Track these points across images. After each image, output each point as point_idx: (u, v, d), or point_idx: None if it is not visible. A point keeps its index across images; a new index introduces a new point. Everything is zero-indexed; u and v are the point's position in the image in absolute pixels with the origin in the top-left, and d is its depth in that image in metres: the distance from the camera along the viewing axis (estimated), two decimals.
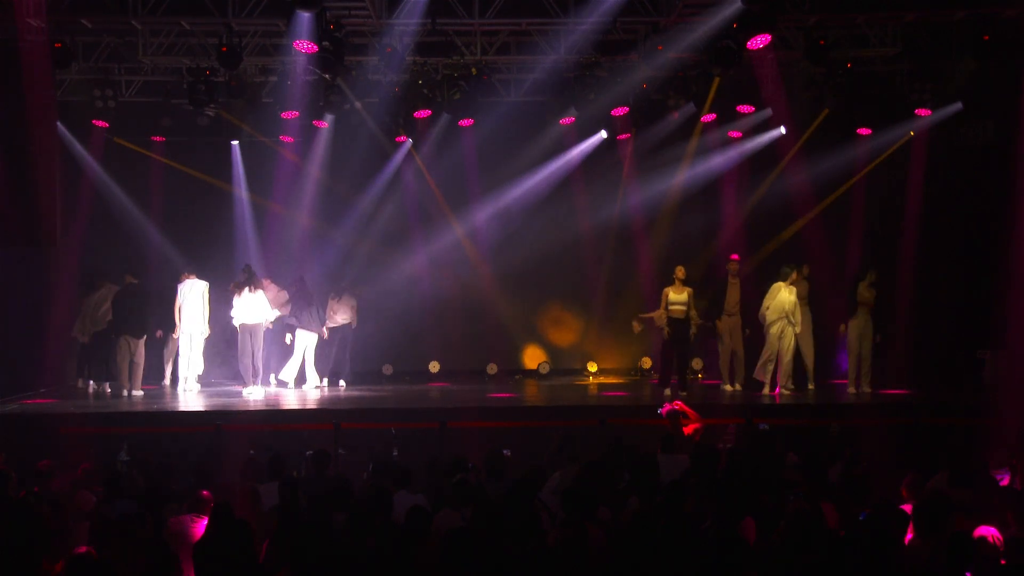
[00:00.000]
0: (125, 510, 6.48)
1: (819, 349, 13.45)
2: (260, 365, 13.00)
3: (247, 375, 12.88)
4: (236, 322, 12.95)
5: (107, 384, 13.38)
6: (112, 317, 13.18)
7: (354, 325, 14.27)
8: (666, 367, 13.01)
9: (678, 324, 12.64)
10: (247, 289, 12.85)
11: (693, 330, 12.81)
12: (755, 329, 13.27)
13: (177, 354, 13.68)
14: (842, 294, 13.29)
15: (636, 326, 13.70)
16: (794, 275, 12.86)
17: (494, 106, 14.11)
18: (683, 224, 15.70)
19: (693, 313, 12.69)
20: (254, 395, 12.74)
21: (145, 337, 13.14)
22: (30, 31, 10.54)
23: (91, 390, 13.40)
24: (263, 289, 13.13)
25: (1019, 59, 11.74)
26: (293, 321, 13.68)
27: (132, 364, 12.96)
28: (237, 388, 13.10)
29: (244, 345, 12.92)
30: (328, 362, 14.15)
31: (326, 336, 13.82)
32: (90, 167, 14.76)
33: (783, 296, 12.81)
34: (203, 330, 13.42)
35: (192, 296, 13.28)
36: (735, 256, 13.55)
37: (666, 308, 12.65)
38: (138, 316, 13.04)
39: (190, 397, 13.03)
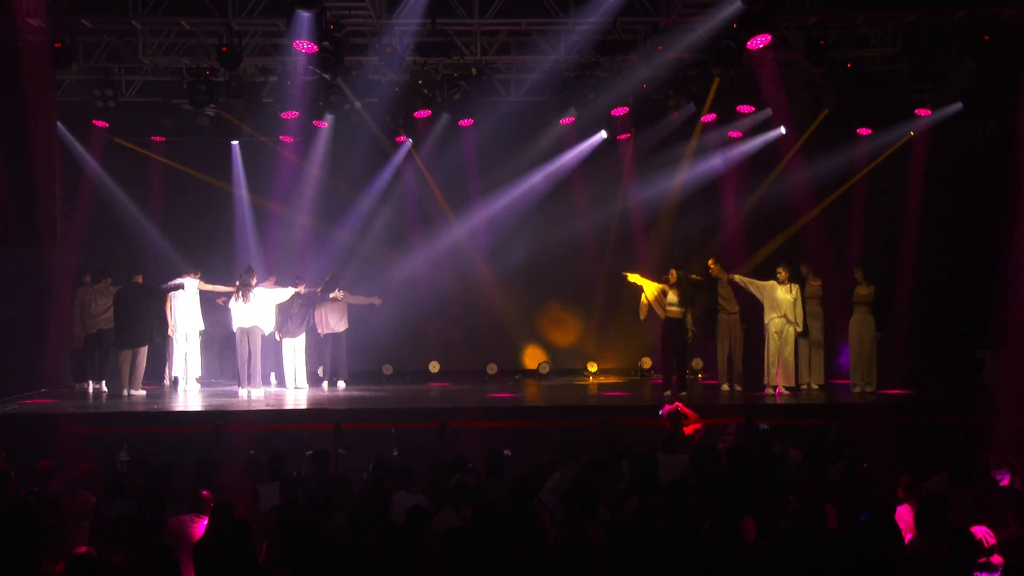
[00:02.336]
0: (125, 510, 6.48)
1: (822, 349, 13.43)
2: (258, 367, 13.02)
3: (243, 377, 12.91)
4: (233, 326, 12.99)
5: (103, 384, 13.42)
6: (114, 325, 13.20)
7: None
8: (667, 369, 13.02)
9: (675, 325, 12.64)
10: (241, 294, 12.87)
11: (689, 335, 12.80)
12: (752, 326, 13.28)
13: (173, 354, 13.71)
14: (842, 294, 13.30)
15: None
16: (782, 273, 12.83)
17: (494, 106, 14.11)
18: (683, 224, 15.71)
19: (688, 320, 12.70)
20: (254, 395, 12.76)
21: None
22: (30, 31, 10.53)
23: (90, 390, 13.40)
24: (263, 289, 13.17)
25: (1019, 59, 11.74)
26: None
27: (133, 365, 12.98)
28: (235, 388, 13.12)
29: (241, 348, 12.95)
30: (328, 363, 14.16)
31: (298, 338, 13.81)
32: (90, 167, 14.76)
33: (779, 295, 12.81)
34: (200, 327, 13.46)
35: (187, 295, 13.30)
36: (710, 261, 13.47)
37: (664, 308, 12.66)
38: (140, 325, 13.06)
39: (190, 397, 13.04)
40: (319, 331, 13.98)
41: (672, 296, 12.61)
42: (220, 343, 14.38)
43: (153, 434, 10.86)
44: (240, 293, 12.86)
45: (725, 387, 13.35)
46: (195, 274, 13.41)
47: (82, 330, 13.64)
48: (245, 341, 12.91)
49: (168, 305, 13.35)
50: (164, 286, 13.31)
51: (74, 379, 14.05)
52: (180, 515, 6.66)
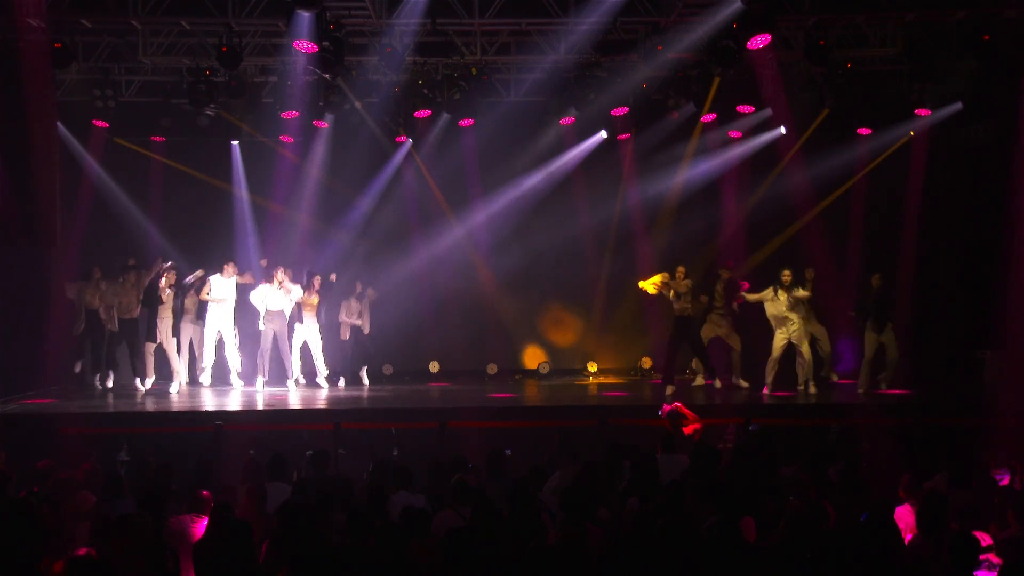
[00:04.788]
0: (125, 510, 6.49)
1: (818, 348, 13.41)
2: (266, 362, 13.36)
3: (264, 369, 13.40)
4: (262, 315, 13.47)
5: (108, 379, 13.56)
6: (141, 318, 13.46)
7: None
8: (668, 367, 12.97)
9: (687, 321, 12.66)
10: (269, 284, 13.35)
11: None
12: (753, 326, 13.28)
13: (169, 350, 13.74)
14: (842, 293, 13.29)
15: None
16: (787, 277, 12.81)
17: (494, 106, 14.12)
18: (683, 224, 15.69)
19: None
20: (257, 391, 12.90)
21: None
22: (30, 31, 10.53)
23: (110, 384, 13.50)
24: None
25: (1019, 59, 11.75)
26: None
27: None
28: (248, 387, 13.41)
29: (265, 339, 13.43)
30: (347, 362, 14.34)
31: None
32: (90, 167, 14.76)
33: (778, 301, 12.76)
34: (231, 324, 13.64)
35: (225, 289, 13.42)
36: (730, 263, 13.71)
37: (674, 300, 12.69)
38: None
39: (190, 397, 13.04)
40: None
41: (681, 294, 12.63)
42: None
43: (153, 434, 10.86)
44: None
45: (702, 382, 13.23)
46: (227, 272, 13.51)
47: (110, 324, 13.70)
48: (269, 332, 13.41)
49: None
50: (186, 282, 13.42)
51: (97, 375, 13.89)
52: (180, 515, 6.66)
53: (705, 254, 15.56)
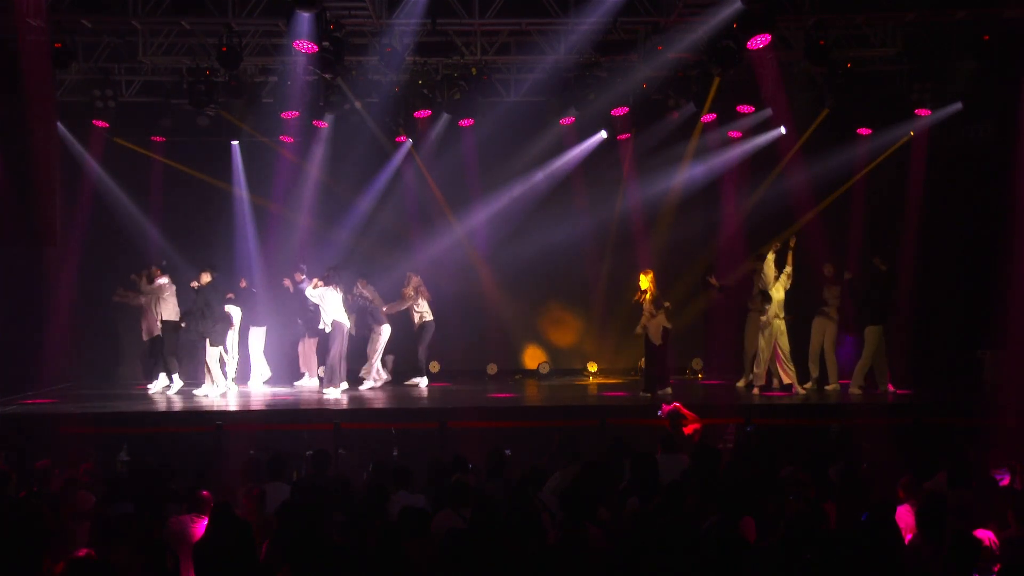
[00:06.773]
0: (125, 510, 6.49)
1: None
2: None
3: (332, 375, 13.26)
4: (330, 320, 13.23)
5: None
6: (207, 321, 13.02)
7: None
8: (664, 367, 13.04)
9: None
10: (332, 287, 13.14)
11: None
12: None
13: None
14: (842, 293, 13.29)
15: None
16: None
17: (494, 106, 14.12)
18: (683, 224, 15.69)
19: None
20: (331, 394, 12.97)
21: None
22: (30, 31, 10.53)
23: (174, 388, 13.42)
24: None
25: (1019, 59, 11.75)
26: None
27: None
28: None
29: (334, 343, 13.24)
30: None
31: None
32: (90, 167, 14.77)
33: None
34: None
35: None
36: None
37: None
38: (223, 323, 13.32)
39: (190, 397, 13.03)
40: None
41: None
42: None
43: (153, 434, 10.86)
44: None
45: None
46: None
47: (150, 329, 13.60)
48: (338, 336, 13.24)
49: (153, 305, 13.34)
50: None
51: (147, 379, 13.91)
52: (180, 515, 6.66)
53: (705, 254, 15.57)
